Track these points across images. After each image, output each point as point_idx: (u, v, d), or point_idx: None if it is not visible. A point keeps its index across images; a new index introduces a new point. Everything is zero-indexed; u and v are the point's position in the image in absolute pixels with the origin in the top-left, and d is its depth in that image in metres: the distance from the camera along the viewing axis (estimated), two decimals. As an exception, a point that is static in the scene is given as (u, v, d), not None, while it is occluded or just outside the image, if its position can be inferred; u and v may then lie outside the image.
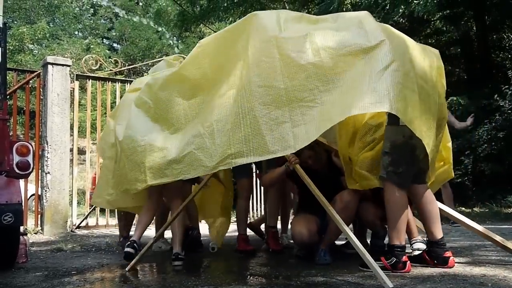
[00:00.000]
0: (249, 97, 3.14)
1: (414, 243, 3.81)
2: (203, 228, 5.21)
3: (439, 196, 6.34)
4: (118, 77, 11.40)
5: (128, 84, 8.18)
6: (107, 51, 25.80)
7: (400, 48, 3.01)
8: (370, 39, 3.01)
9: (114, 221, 7.07)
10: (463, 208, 9.44)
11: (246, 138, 3.07)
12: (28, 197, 7.07)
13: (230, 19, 14.90)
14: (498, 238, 3.56)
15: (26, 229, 6.39)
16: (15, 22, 26.21)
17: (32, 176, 6.05)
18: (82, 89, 11.27)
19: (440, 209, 3.60)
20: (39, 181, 6.76)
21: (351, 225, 4.58)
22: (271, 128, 3.05)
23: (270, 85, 3.13)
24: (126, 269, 3.58)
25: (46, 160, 6.63)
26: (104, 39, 31.16)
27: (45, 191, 6.60)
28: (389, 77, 2.83)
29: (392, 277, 2.91)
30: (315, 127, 2.97)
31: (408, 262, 3.13)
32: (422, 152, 3.07)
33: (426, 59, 3.20)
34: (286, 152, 3.08)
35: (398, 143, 3.09)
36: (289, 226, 4.66)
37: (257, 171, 5.00)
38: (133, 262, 3.64)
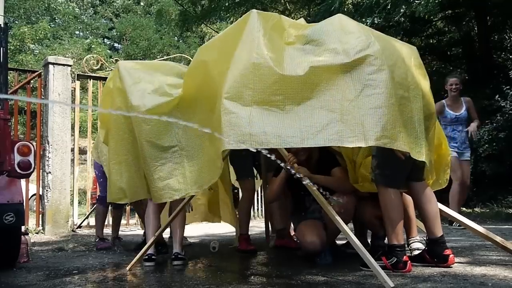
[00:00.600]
0: (221, 92, 3.12)
1: (412, 242, 3.81)
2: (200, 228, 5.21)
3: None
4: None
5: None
6: (108, 51, 25.82)
7: (380, 56, 2.97)
8: (349, 54, 2.98)
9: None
10: (464, 209, 9.43)
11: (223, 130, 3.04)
12: (29, 197, 7.08)
13: (232, 19, 14.90)
14: (498, 238, 3.56)
15: (27, 229, 6.40)
16: (16, 22, 26.26)
17: (34, 176, 6.07)
18: (83, 89, 11.26)
19: (441, 210, 3.61)
20: (40, 181, 6.77)
21: (351, 225, 4.60)
22: (233, 122, 3.00)
23: (244, 84, 3.08)
24: (127, 268, 3.59)
25: (47, 160, 6.64)
26: (105, 39, 31.20)
27: (46, 191, 6.62)
28: (366, 103, 2.85)
29: (393, 277, 2.91)
30: (275, 133, 2.94)
31: (409, 261, 3.14)
32: None
33: (407, 59, 3.19)
34: (241, 146, 2.98)
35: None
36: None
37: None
38: (133, 261, 3.65)
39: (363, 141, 2.80)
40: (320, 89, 3.00)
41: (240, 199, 4.62)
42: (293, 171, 3.36)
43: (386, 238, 3.28)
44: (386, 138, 2.80)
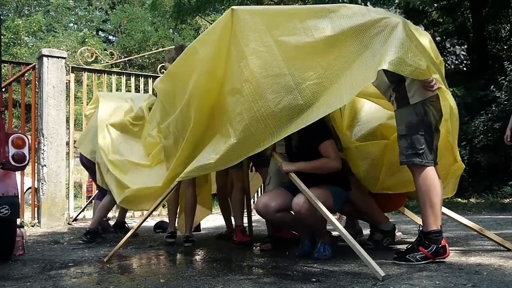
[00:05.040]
0: (258, 89, 3.18)
1: (375, 232, 3.84)
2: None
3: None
4: (114, 69, 11.36)
5: (124, 76, 8.16)
6: (103, 43, 25.68)
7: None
8: (365, 18, 2.98)
9: (111, 213, 7.06)
10: (459, 199, 9.48)
11: (267, 126, 3.18)
12: (25, 190, 7.06)
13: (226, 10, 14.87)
14: (476, 227, 3.61)
15: (23, 221, 6.39)
16: (9, 15, 26.09)
17: (29, 169, 6.05)
18: (78, 81, 11.22)
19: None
20: (36, 174, 6.74)
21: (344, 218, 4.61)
22: (287, 113, 3.15)
23: (275, 73, 3.16)
24: (105, 260, 3.59)
25: (42, 153, 6.62)
26: (99, 32, 31.03)
27: (42, 184, 6.60)
28: (391, 38, 2.83)
29: (389, 267, 2.93)
30: (325, 103, 3.03)
31: (447, 245, 3.08)
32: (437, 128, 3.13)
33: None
34: (298, 127, 3.10)
35: (414, 122, 3.02)
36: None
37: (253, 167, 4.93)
38: (110, 254, 3.66)
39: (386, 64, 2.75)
40: (347, 44, 3.02)
41: (233, 190, 4.59)
42: (279, 165, 3.45)
43: (422, 225, 3.14)
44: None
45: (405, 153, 3.08)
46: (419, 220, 4.11)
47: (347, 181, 3.60)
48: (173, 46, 5.06)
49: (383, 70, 2.81)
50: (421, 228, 3.16)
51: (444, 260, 3.09)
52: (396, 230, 4.07)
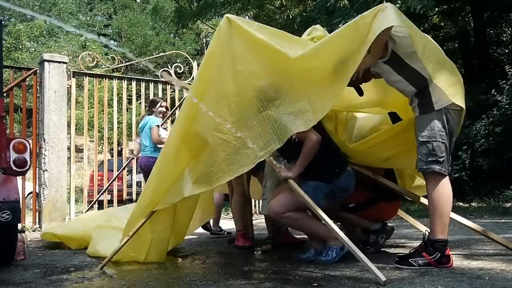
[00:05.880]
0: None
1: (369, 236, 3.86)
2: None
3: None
4: (115, 74, 11.37)
5: (125, 81, 8.17)
6: (104, 48, 25.74)
7: None
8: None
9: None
10: (461, 203, 9.46)
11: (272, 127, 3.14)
12: (26, 195, 7.07)
13: (227, 15, 14.90)
14: (479, 228, 3.57)
15: (24, 226, 6.39)
16: (11, 20, 26.16)
17: (30, 174, 6.06)
18: (79, 86, 11.24)
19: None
20: (37, 179, 6.75)
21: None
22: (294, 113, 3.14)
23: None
24: (98, 267, 3.53)
25: (43, 158, 6.62)
26: (100, 36, 31.10)
27: (43, 188, 6.60)
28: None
29: (391, 271, 2.92)
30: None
31: (451, 255, 3.07)
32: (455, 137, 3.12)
33: None
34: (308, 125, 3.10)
35: (436, 129, 3.00)
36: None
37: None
38: (105, 261, 3.60)
39: None
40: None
41: (233, 194, 4.57)
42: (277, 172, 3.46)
43: (429, 232, 3.12)
44: None
45: (424, 160, 3.05)
46: (419, 225, 4.10)
47: (329, 172, 3.50)
48: (173, 51, 5.01)
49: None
50: (427, 234, 3.14)
51: (446, 264, 3.09)
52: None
